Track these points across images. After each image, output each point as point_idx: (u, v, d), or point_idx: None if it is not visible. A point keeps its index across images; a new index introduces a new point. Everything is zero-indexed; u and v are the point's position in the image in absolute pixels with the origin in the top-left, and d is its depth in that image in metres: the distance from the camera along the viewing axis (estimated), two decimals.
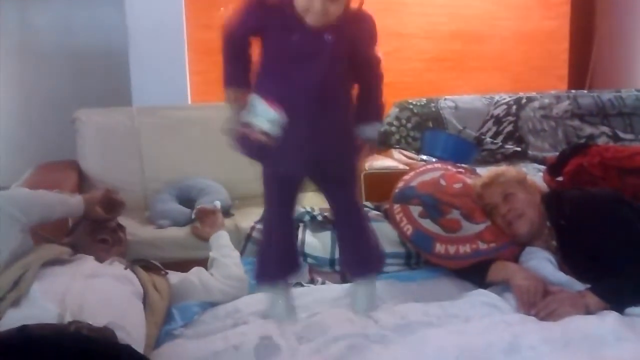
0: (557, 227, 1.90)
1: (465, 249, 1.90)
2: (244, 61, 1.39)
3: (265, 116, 1.32)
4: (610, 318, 1.55)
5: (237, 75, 1.39)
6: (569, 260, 1.85)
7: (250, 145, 1.36)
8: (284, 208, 1.49)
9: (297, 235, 1.59)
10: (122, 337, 1.38)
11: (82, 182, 2.63)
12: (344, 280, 1.97)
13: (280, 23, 1.31)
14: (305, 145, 1.35)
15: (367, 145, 1.42)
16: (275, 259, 1.53)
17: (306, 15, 1.27)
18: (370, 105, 1.42)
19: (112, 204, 1.95)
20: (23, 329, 1.28)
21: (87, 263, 1.67)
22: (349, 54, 1.34)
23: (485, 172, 2.17)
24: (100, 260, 1.71)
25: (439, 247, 1.92)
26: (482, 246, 1.90)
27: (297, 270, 1.59)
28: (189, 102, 3.16)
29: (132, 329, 1.45)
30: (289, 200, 1.49)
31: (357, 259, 1.54)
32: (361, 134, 1.40)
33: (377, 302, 1.62)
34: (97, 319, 1.37)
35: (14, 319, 1.37)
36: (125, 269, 1.68)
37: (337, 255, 2.00)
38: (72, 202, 1.85)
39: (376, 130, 1.43)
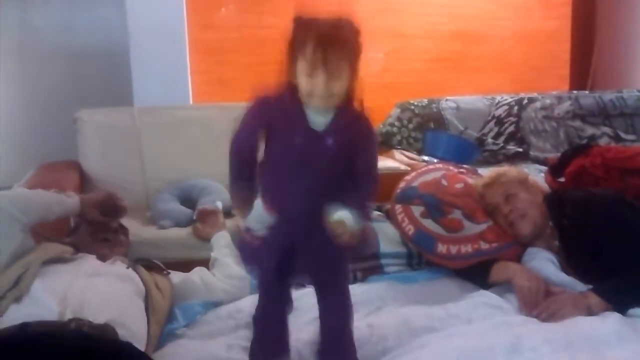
0: (559, 227, 1.90)
1: (467, 248, 1.90)
2: (251, 175, 1.36)
3: (259, 220, 1.35)
4: (612, 319, 1.54)
5: (245, 192, 1.37)
6: (571, 261, 1.84)
7: (248, 251, 1.41)
8: (278, 302, 1.47)
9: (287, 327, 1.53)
10: (123, 334, 1.39)
11: (84, 182, 2.63)
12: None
13: (283, 122, 1.31)
14: (285, 246, 1.36)
15: (337, 228, 1.29)
16: (266, 348, 1.49)
17: (310, 100, 1.27)
18: (356, 195, 1.33)
19: (113, 208, 1.95)
20: (24, 327, 1.29)
21: (89, 262, 1.67)
22: (348, 154, 1.33)
23: (487, 172, 2.17)
24: (102, 259, 1.72)
25: (441, 247, 1.92)
26: (484, 246, 1.90)
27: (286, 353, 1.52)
28: (190, 102, 3.17)
29: (133, 327, 1.46)
30: (282, 295, 1.47)
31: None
32: (332, 215, 1.29)
33: None
34: (98, 316, 1.38)
35: (15, 316, 1.37)
36: (128, 268, 1.69)
37: None
38: (68, 202, 1.85)
39: (350, 219, 1.28)
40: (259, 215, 1.35)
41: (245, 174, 1.37)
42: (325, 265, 1.40)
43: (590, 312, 1.60)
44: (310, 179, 1.32)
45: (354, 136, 1.33)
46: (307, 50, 1.24)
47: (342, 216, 1.28)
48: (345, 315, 1.46)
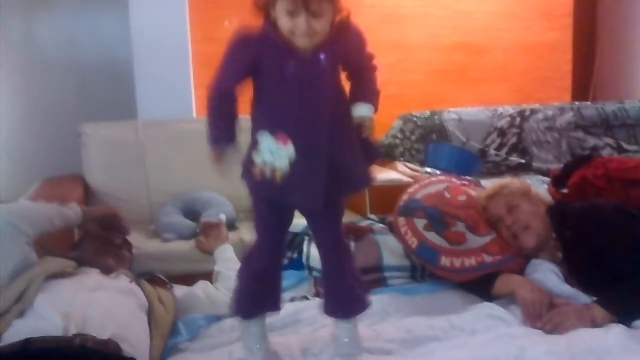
0: (561, 238, 1.90)
1: (471, 261, 1.90)
2: (232, 116, 1.35)
3: (276, 153, 1.29)
4: (616, 331, 1.54)
5: (225, 133, 1.36)
6: (574, 272, 1.84)
7: (260, 183, 1.33)
8: (277, 235, 1.47)
9: (281, 273, 1.54)
10: (127, 349, 1.39)
11: (88, 196, 2.65)
12: None
13: (272, 54, 1.30)
14: (323, 173, 1.32)
15: (364, 123, 1.38)
16: (257, 292, 1.49)
17: (294, 39, 1.28)
18: (365, 89, 1.40)
19: (115, 226, 1.96)
20: (27, 343, 1.29)
21: (91, 276, 1.68)
22: (343, 65, 1.37)
23: (489, 184, 2.17)
24: (107, 271, 1.73)
25: (444, 260, 1.92)
26: (488, 259, 1.90)
27: (277, 308, 1.54)
28: (194, 115, 3.18)
29: (136, 341, 1.46)
30: (281, 228, 1.47)
31: (342, 300, 1.50)
32: (355, 112, 1.37)
33: (358, 346, 1.53)
34: (101, 331, 1.38)
35: (19, 330, 1.38)
36: (131, 282, 1.69)
37: None
38: (69, 214, 1.88)
39: (370, 110, 1.39)
40: (273, 148, 1.29)
41: (230, 116, 1.34)
42: (348, 188, 1.42)
43: (594, 324, 1.60)
44: (319, 100, 1.32)
45: (345, 46, 1.35)
46: None
47: (363, 112, 1.37)
48: (346, 247, 1.50)
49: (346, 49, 1.35)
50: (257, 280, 1.48)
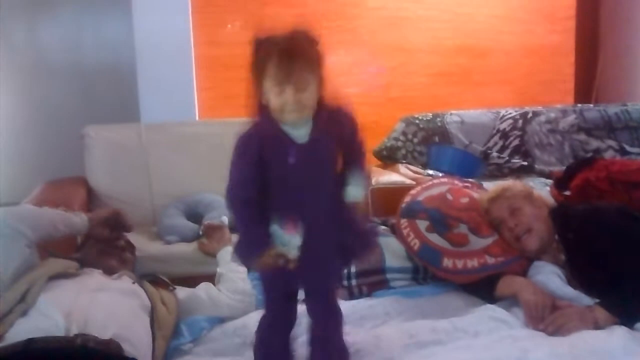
0: (564, 241, 1.90)
1: (473, 263, 1.90)
2: (259, 219, 1.35)
3: (289, 244, 1.33)
4: (618, 333, 1.54)
5: (264, 238, 1.34)
6: (577, 274, 1.84)
7: (274, 275, 1.40)
8: (285, 313, 1.48)
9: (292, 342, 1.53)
10: (128, 349, 1.39)
11: (91, 198, 2.66)
12: (351, 296, 1.97)
13: (271, 150, 1.33)
14: (331, 251, 1.40)
15: (356, 205, 1.40)
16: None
17: (283, 116, 1.29)
18: (356, 173, 1.40)
19: (119, 225, 1.97)
20: (29, 343, 1.29)
21: (94, 277, 1.68)
22: (338, 147, 1.39)
23: (491, 186, 2.17)
24: (110, 272, 1.73)
25: (447, 262, 1.92)
26: (490, 260, 1.90)
27: None
28: (197, 118, 3.19)
29: (138, 342, 1.46)
30: (290, 305, 1.48)
31: None
32: (348, 196, 1.38)
33: None
34: (103, 331, 1.38)
35: (22, 330, 1.38)
36: (133, 283, 1.70)
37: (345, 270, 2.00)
38: (75, 221, 1.88)
39: (362, 193, 1.40)
40: (285, 239, 1.33)
41: (256, 216, 1.35)
42: (320, 269, 1.41)
43: (597, 326, 1.60)
44: (320, 183, 1.37)
45: (338, 127, 1.36)
46: (271, 67, 1.26)
47: (357, 194, 1.38)
48: (333, 323, 1.47)
49: (341, 133, 1.37)
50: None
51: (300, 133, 1.33)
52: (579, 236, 1.85)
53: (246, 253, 1.39)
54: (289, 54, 1.26)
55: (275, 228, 1.33)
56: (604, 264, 1.75)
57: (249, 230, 1.37)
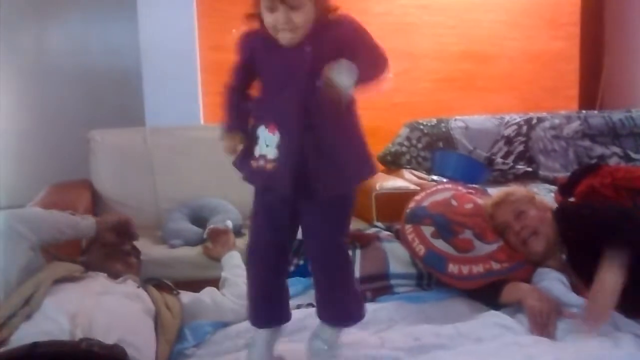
0: (565, 239, 1.90)
1: (479, 269, 1.90)
2: (240, 108, 1.41)
3: (269, 142, 1.35)
4: (624, 341, 1.54)
5: (235, 120, 1.41)
6: (578, 272, 1.83)
7: (255, 172, 1.38)
8: (275, 236, 1.44)
9: (286, 285, 1.52)
10: (133, 354, 1.39)
11: (96, 202, 2.66)
12: None
13: (264, 49, 1.35)
14: (293, 160, 1.32)
15: (328, 84, 1.25)
16: (259, 304, 1.50)
17: (277, 35, 1.30)
18: (356, 63, 1.28)
19: (126, 233, 1.97)
20: (34, 346, 1.29)
21: (99, 281, 1.68)
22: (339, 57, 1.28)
23: (495, 192, 2.17)
24: (115, 276, 1.73)
25: (452, 268, 1.92)
26: (495, 266, 1.90)
27: (286, 319, 1.54)
28: (202, 122, 3.19)
29: (143, 347, 1.47)
30: (280, 228, 1.44)
31: (329, 309, 1.48)
32: (326, 72, 1.25)
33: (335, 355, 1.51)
34: (107, 336, 1.39)
35: (27, 333, 1.39)
36: (138, 287, 1.70)
37: None
38: (82, 225, 1.88)
39: (347, 76, 1.25)
40: (265, 138, 1.36)
41: (234, 103, 1.41)
42: (324, 186, 1.35)
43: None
44: (296, 90, 1.31)
45: (335, 38, 1.31)
46: None
47: (334, 74, 1.24)
48: (335, 252, 1.43)
49: (338, 43, 1.31)
50: (264, 292, 1.49)
51: (287, 41, 1.31)
52: (579, 233, 1.85)
53: (224, 134, 1.42)
54: None
55: (261, 128, 1.36)
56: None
57: (226, 113, 1.42)
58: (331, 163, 1.34)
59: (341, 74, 1.25)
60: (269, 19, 1.29)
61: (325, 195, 1.35)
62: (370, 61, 1.33)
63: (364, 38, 1.35)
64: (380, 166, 3.18)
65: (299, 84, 1.31)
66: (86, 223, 1.89)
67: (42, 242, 1.75)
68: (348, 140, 1.37)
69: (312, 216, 1.41)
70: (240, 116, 1.41)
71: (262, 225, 1.46)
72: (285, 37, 1.29)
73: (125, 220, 2.00)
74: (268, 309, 1.50)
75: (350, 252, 1.54)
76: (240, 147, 1.40)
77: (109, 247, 1.91)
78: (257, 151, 1.36)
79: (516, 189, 2.06)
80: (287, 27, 1.27)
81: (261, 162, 1.36)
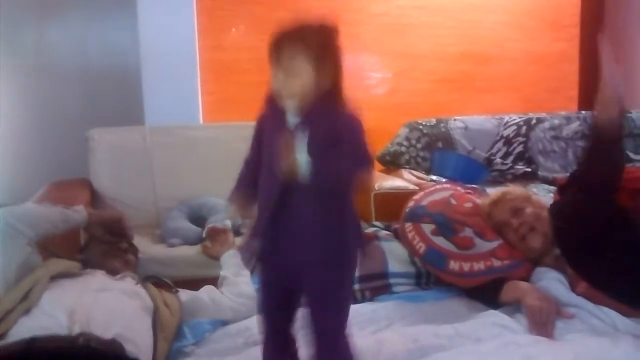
0: (556, 231, 1.91)
1: (480, 266, 1.90)
2: (250, 176, 1.39)
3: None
4: (623, 341, 1.53)
5: (238, 185, 1.41)
6: (570, 263, 1.84)
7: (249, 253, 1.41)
8: (280, 317, 1.42)
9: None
10: (130, 350, 1.39)
11: (94, 200, 2.66)
12: (354, 301, 1.96)
13: (269, 126, 1.33)
14: (274, 246, 1.33)
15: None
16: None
17: (280, 101, 1.28)
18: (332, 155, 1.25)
19: (118, 230, 1.97)
20: (32, 341, 1.29)
21: (97, 277, 1.68)
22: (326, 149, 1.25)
23: (493, 192, 2.18)
24: (113, 273, 1.73)
25: (453, 265, 1.92)
26: (496, 263, 1.90)
27: None
28: (201, 122, 3.19)
29: (140, 343, 1.46)
30: (284, 309, 1.41)
31: None
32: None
33: None
34: (105, 332, 1.38)
35: (25, 328, 1.38)
36: (136, 284, 1.70)
37: None
38: (74, 217, 1.89)
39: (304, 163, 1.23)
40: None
41: (244, 174, 1.40)
42: (309, 272, 1.32)
43: None
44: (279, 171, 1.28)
45: (330, 131, 1.26)
46: (270, 51, 1.27)
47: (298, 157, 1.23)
48: (331, 338, 1.36)
49: (335, 133, 1.26)
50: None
51: (292, 120, 1.29)
52: (567, 221, 1.86)
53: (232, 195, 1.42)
54: (284, 37, 1.26)
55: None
56: (592, 248, 1.75)
57: (236, 182, 1.42)
58: (316, 248, 1.32)
59: (301, 153, 1.23)
60: (272, 85, 1.29)
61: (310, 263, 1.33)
62: (354, 159, 1.28)
63: (357, 136, 1.30)
64: (379, 165, 3.18)
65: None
66: (78, 215, 1.90)
67: (37, 237, 1.75)
68: (330, 217, 1.32)
69: (308, 303, 1.38)
70: (247, 180, 1.40)
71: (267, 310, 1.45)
72: (285, 103, 1.28)
73: (117, 217, 2.00)
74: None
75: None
76: (248, 207, 1.39)
77: (106, 245, 1.91)
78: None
79: (513, 189, 2.09)
80: (283, 93, 1.27)
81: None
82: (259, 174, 1.36)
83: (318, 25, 1.28)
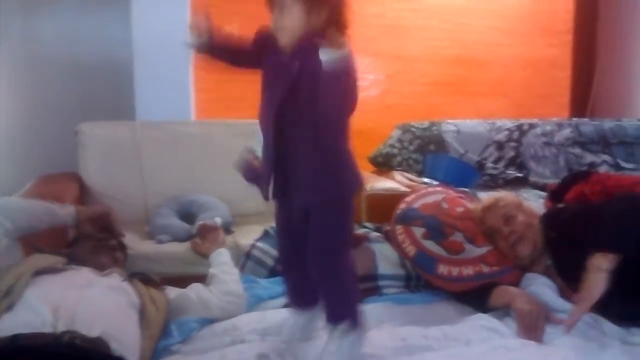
0: (548, 240, 1.92)
1: (468, 271, 1.90)
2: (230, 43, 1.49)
3: (258, 140, 1.45)
4: (612, 346, 1.54)
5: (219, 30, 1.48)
6: (562, 273, 1.84)
7: (249, 171, 1.49)
8: (291, 248, 1.56)
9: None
10: (116, 348, 1.37)
11: (83, 195, 2.63)
12: None
13: (267, 47, 1.42)
14: (269, 165, 1.42)
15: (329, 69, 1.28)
16: (291, 291, 1.65)
17: (277, 34, 1.39)
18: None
19: (107, 227, 1.95)
20: (15, 339, 1.27)
21: (82, 273, 1.66)
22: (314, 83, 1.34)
23: (485, 196, 2.18)
24: (101, 268, 1.71)
25: (442, 269, 1.91)
26: (485, 269, 1.90)
27: (313, 305, 1.60)
28: (193, 118, 3.17)
29: (126, 340, 1.44)
30: (296, 243, 1.51)
31: (325, 307, 1.54)
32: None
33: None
34: (90, 329, 1.36)
35: (8, 324, 1.36)
36: (123, 280, 1.67)
37: None
38: (60, 213, 1.87)
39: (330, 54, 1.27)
40: (258, 137, 1.46)
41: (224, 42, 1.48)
42: (304, 193, 1.42)
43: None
44: (275, 100, 1.38)
45: (316, 66, 1.30)
46: None
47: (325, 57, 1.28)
48: (326, 259, 1.47)
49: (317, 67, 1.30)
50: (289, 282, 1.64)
51: (282, 41, 1.39)
52: (560, 233, 1.87)
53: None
54: None
55: (258, 124, 1.46)
56: (582, 256, 1.75)
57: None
58: (302, 174, 1.41)
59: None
60: (270, 18, 1.39)
61: (300, 203, 1.44)
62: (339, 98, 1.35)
63: (342, 77, 1.31)
64: (371, 167, 3.18)
65: (281, 93, 1.37)
66: (65, 211, 1.88)
67: (19, 230, 1.73)
68: (322, 154, 1.40)
69: (308, 221, 1.46)
70: (225, 36, 1.48)
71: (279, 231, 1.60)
72: (279, 37, 1.38)
73: (105, 213, 1.98)
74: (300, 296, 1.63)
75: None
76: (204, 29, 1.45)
77: (94, 241, 1.89)
78: (254, 148, 1.47)
79: (505, 195, 2.08)
80: (275, 26, 1.37)
81: (251, 158, 1.46)
82: (236, 52, 1.48)
83: None
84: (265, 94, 1.43)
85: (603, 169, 3.19)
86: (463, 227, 1.99)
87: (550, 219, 1.96)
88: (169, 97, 3.05)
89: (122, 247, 2.00)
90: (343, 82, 1.30)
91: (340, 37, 1.30)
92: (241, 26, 3.45)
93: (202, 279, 1.96)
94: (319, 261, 1.47)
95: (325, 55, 1.27)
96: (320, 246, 1.46)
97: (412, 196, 2.20)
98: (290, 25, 1.35)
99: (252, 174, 1.49)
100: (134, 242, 2.25)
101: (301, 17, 1.34)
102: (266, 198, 1.46)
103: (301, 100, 1.36)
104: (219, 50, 1.47)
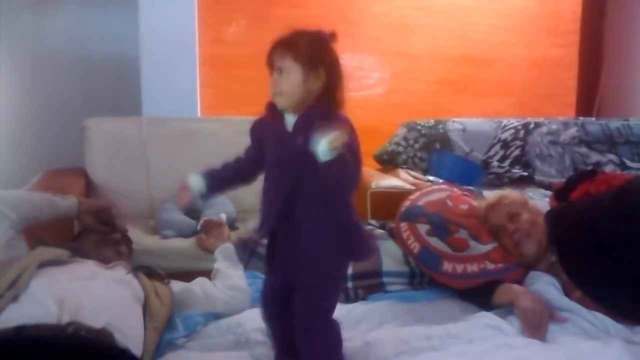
0: (554, 237, 1.92)
1: (473, 268, 1.89)
2: (227, 168, 1.51)
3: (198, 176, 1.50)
4: (614, 344, 1.53)
5: (211, 170, 1.51)
6: (566, 269, 1.84)
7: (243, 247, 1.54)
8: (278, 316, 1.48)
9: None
10: (120, 339, 1.38)
11: (89, 190, 2.64)
12: (347, 299, 1.96)
13: (267, 131, 1.40)
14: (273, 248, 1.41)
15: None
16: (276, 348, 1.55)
17: (275, 98, 1.35)
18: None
19: (108, 220, 1.96)
20: (20, 330, 1.28)
21: (86, 266, 1.67)
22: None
23: (490, 195, 2.18)
24: (105, 261, 1.72)
25: (447, 266, 1.91)
26: (490, 266, 1.90)
27: None
28: (199, 114, 3.18)
29: (130, 332, 1.45)
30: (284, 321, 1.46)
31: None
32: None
33: None
34: (95, 320, 1.37)
35: (13, 315, 1.36)
36: (127, 273, 1.68)
37: None
38: (62, 204, 1.88)
39: (324, 146, 1.20)
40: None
41: (228, 166, 1.50)
42: (301, 268, 1.38)
43: None
44: (282, 178, 1.35)
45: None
46: (267, 58, 1.36)
47: (318, 150, 1.21)
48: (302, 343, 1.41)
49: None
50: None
51: (289, 120, 1.36)
52: (566, 229, 1.87)
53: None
54: (279, 41, 1.34)
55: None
56: (590, 256, 1.75)
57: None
58: (304, 251, 1.36)
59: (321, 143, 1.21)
60: (270, 89, 1.36)
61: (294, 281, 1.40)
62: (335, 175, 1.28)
63: (334, 174, 1.26)
64: (376, 165, 3.18)
65: (288, 172, 1.34)
66: (66, 203, 1.89)
67: (22, 221, 1.74)
68: (331, 229, 1.36)
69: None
70: (221, 172, 1.50)
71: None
72: (277, 102, 1.35)
73: (107, 207, 1.99)
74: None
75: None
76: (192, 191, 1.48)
77: (99, 234, 1.90)
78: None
79: (510, 193, 2.08)
80: (273, 90, 1.34)
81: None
82: (239, 174, 1.49)
83: (312, 31, 1.36)
84: (271, 172, 1.39)
85: (609, 169, 3.17)
86: (467, 225, 1.98)
87: (555, 216, 1.96)
88: (175, 93, 3.07)
89: (127, 240, 2.00)
90: (343, 168, 1.24)
91: (338, 124, 1.23)
92: (247, 24, 3.48)
93: (206, 274, 1.97)
94: (303, 323, 1.40)
95: (321, 147, 1.19)
96: (305, 322, 1.40)
97: (417, 194, 2.20)
98: (288, 89, 1.32)
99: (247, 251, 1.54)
100: (138, 237, 2.26)
101: (300, 81, 1.31)
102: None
103: (307, 176, 1.30)
104: (222, 189, 1.53)
